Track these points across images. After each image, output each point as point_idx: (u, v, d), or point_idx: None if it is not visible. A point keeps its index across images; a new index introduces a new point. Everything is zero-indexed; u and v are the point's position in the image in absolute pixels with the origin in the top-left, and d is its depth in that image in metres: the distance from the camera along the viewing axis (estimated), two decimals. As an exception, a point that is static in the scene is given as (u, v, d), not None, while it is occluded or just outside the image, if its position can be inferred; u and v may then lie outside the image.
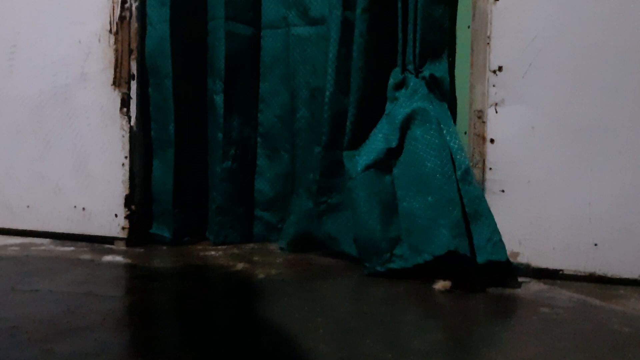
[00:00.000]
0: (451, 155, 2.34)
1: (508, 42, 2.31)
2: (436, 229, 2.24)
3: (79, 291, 2.10)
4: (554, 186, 2.26)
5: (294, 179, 2.82)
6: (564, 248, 2.26)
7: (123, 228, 2.73)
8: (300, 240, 2.69)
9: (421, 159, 2.36)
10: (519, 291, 2.17)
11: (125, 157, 2.72)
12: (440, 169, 2.31)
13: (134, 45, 2.74)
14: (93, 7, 2.72)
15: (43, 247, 2.72)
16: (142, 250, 2.71)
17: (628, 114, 2.19)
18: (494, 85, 2.34)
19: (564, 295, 2.12)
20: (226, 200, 2.84)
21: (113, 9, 2.71)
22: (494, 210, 2.30)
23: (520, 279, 2.26)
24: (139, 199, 2.79)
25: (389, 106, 2.52)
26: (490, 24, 2.34)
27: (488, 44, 2.35)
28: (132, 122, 2.73)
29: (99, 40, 2.73)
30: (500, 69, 2.33)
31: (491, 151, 2.34)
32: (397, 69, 2.53)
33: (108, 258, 2.56)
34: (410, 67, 2.49)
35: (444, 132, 2.38)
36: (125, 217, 2.73)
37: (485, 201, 2.30)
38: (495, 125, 2.34)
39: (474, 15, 2.42)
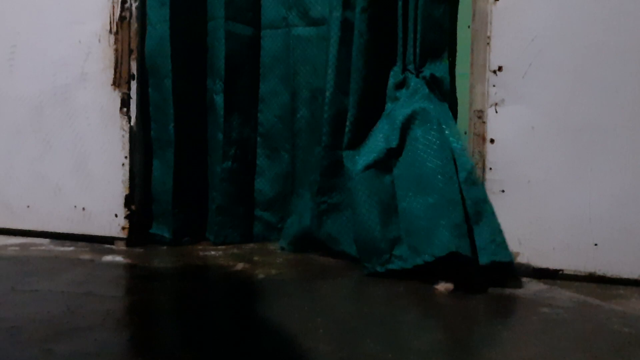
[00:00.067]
0: (453, 156, 2.33)
1: (508, 42, 2.31)
2: (437, 229, 2.23)
3: (79, 291, 2.10)
4: (554, 186, 2.26)
5: (294, 179, 2.83)
6: (564, 248, 2.26)
7: (123, 228, 2.73)
8: (300, 240, 2.69)
9: (422, 159, 2.36)
10: (519, 291, 2.17)
11: (125, 157, 2.72)
12: (441, 169, 2.30)
13: (134, 45, 2.74)
14: (93, 7, 2.72)
15: (43, 247, 2.72)
16: (142, 250, 2.71)
17: (628, 114, 2.19)
18: (494, 85, 2.34)
19: (564, 295, 2.12)
20: (226, 200, 2.84)
21: (113, 9, 2.71)
22: (495, 210, 2.30)
23: (520, 279, 2.26)
24: (139, 199, 2.79)
25: (389, 106, 2.52)
26: (490, 24, 2.34)
27: (488, 44, 2.35)
28: (132, 122, 2.73)
29: (99, 40, 2.73)
30: (500, 69, 2.33)
31: (491, 151, 2.34)
32: (397, 69, 2.53)
33: (108, 258, 2.56)
34: (411, 67, 2.49)
35: (446, 132, 2.38)
36: (125, 217, 2.73)
37: (489, 202, 2.30)
38: (495, 125, 2.34)
39: (474, 15, 2.42)
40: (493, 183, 2.33)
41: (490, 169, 2.34)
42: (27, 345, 1.60)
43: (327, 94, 2.56)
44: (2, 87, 2.87)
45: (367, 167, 2.44)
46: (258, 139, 2.92)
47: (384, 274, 2.33)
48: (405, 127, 2.43)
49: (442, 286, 2.19)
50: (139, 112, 2.77)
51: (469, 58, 2.45)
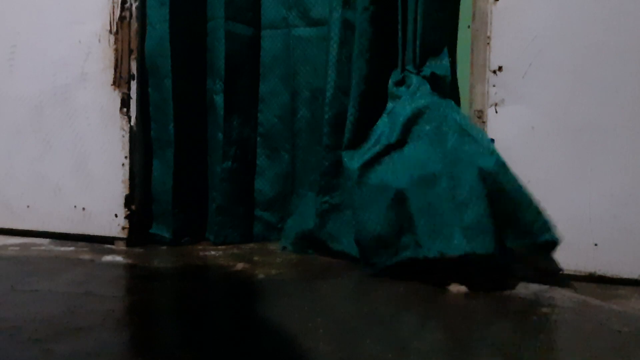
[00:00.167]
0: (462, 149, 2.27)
1: (508, 42, 2.31)
2: (445, 228, 2.18)
3: (79, 291, 2.10)
4: (554, 186, 2.26)
5: (294, 179, 2.83)
6: (564, 248, 2.26)
7: (123, 228, 2.73)
8: (301, 240, 2.69)
9: (425, 155, 2.34)
10: (519, 291, 2.17)
11: (125, 157, 2.72)
12: (448, 168, 2.25)
13: (134, 45, 2.74)
14: (93, 7, 2.72)
15: (43, 247, 2.72)
16: (142, 250, 2.71)
17: (628, 114, 2.19)
18: (494, 85, 2.34)
19: (564, 295, 2.12)
20: (226, 200, 2.84)
21: (113, 9, 2.71)
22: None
23: (520, 279, 2.26)
24: (139, 199, 2.79)
25: (390, 105, 2.52)
26: (490, 24, 2.34)
27: (488, 44, 2.35)
28: (132, 122, 2.73)
29: (99, 40, 2.73)
30: (500, 69, 2.33)
31: (491, 151, 2.34)
32: (398, 68, 2.53)
33: (108, 258, 2.56)
34: (410, 66, 2.49)
35: (452, 126, 2.34)
36: (125, 217, 2.73)
37: (523, 189, 2.19)
38: (495, 125, 2.34)
39: (474, 15, 2.43)
40: (493, 183, 2.33)
41: (491, 169, 2.33)
42: (27, 345, 1.60)
43: (328, 94, 2.56)
44: (2, 87, 2.87)
45: (367, 165, 2.43)
46: (258, 138, 2.93)
47: (386, 273, 2.32)
48: (408, 124, 2.41)
49: (455, 287, 2.18)
50: (139, 112, 2.77)
51: (468, 58, 2.45)
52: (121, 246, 2.73)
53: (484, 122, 2.37)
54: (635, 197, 2.19)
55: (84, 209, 2.78)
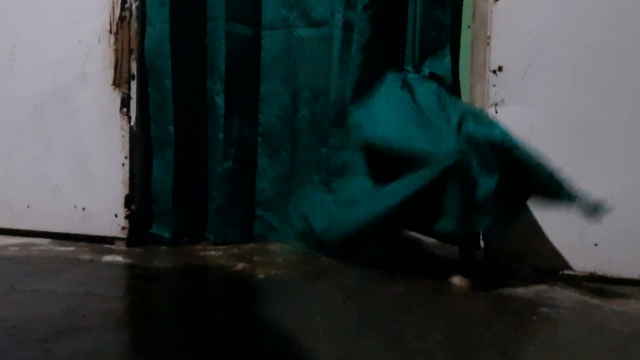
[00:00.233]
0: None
1: (508, 42, 2.31)
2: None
3: (79, 291, 2.10)
4: (554, 186, 2.26)
5: (294, 179, 2.83)
6: (564, 248, 2.26)
7: (123, 228, 2.73)
8: (303, 239, 2.69)
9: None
10: (519, 291, 2.17)
11: (125, 157, 2.72)
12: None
13: (134, 45, 2.74)
14: (93, 7, 2.72)
15: (43, 247, 2.72)
16: (142, 250, 2.71)
17: (628, 114, 2.19)
18: (494, 85, 2.34)
19: (564, 295, 2.12)
20: (226, 200, 2.84)
21: (113, 9, 2.71)
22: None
23: (520, 279, 2.26)
24: (139, 199, 2.79)
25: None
26: (490, 24, 2.34)
27: (488, 44, 2.35)
28: (132, 122, 2.73)
29: (99, 40, 2.73)
30: (500, 69, 2.33)
31: (491, 151, 2.34)
32: (398, 67, 2.53)
33: (108, 258, 2.56)
34: (410, 66, 2.50)
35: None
36: (125, 217, 2.73)
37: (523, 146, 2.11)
38: (496, 125, 2.34)
39: (474, 15, 2.43)
40: (493, 183, 2.33)
41: (491, 169, 2.34)
42: (27, 345, 1.60)
43: (332, 95, 2.57)
44: (2, 87, 2.87)
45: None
46: (259, 138, 2.92)
47: (387, 272, 2.32)
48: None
49: (457, 279, 2.18)
50: (139, 112, 2.77)
51: (468, 58, 2.45)
52: (121, 246, 2.73)
53: (484, 122, 2.36)
54: (635, 197, 2.19)
55: (84, 209, 2.78)
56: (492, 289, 2.17)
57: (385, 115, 2.29)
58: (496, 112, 2.34)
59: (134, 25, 2.73)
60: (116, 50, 2.72)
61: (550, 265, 2.30)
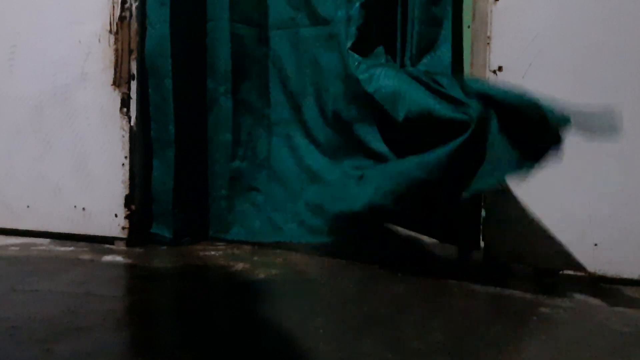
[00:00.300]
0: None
1: (508, 42, 2.31)
2: None
3: (79, 291, 2.10)
4: (554, 186, 2.26)
5: (302, 179, 2.82)
6: (563, 248, 2.26)
7: (123, 228, 2.73)
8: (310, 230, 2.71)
9: None
10: (519, 291, 2.17)
11: (125, 157, 2.72)
12: None
13: (134, 45, 2.74)
14: (93, 7, 2.72)
15: (43, 247, 2.72)
16: (142, 250, 2.71)
17: (628, 114, 2.18)
18: (494, 85, 2.34)
19: (563, 295, 2.12)
20: (233, 199, 2.85)
21: (113, 9, 2.71)
22: (495, 210, 2.30)
23: (520, 279, 2.26)
24: (139, 199, 2.79)
25: None
26: (490, 24, 2.34)
27: (488, 44, 2.35)
28: (132, 122, 2.73)
29: (99, 40, 2.73)
30: (500, 69, 2.33)
31: (491, 151, 2.34)
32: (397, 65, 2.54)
33: (108, 258, 2.56)
34: (408, 63, 2.50)
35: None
36: (125, 217, 2.73)
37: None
38: (495, 125, 2.34)
39: (474, 15, 2.43)
40: (493, 183, 2.33)
41: (491, 168, 2.34)
42: (27, 345, 1.60)
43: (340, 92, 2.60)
44: (2, 87, 2.87)
45: None
46: (267, 138, 2.91)
47: (387, 272, 2.32)
48: None
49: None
50: (139, 112, 2.77)
51: (469, 58, 2.45)
52: (121, 246, 2.73)
53: (484, 122, 2.36)
54: (635, 197, 2.19)
55: (84, 209, 2.78)
56: (492, 289, 2.17)
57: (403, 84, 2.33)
58: (496, 112, 2.34)
59: (134, 25, 2.73)
60: (116, 50, 2.71)
61: (550, 265, 2.30)
